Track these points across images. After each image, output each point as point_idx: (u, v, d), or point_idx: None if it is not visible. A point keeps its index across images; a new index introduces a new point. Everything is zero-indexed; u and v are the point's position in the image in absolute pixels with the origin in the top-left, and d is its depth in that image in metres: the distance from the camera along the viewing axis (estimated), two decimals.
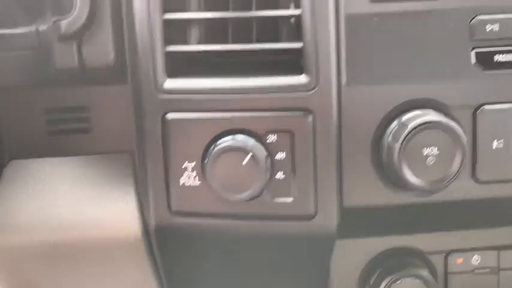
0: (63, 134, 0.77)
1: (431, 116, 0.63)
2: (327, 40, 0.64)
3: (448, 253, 0.76)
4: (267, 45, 0.66)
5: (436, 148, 0.63)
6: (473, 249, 0.75)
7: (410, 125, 0.62)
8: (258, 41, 0.66)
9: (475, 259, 0.75)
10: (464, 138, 0.63)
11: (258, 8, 0.66)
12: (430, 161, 0.63)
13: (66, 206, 0.74)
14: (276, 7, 0.66)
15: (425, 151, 0.63)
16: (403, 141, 0.62)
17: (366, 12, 0.65)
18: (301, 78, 0.65)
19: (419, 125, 0.62)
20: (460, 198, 0.69)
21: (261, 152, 0.64)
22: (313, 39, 0.63)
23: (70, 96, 0.76)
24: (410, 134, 0.62)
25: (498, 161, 0.67)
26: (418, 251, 0.76)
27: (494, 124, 0.66)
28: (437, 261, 0.76)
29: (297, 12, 0.64)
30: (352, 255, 0.76)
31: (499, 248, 0.76)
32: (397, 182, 0.66)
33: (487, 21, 0.64)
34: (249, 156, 0.63)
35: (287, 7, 0.67)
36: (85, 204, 0.74)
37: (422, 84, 0.65)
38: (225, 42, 0.66)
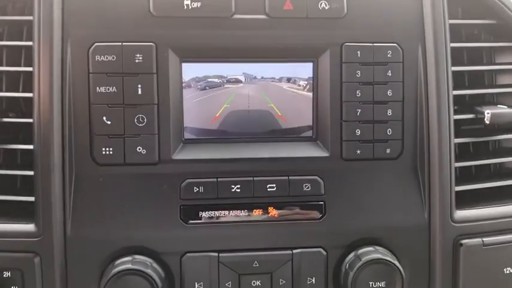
0: None
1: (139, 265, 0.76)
2: (55, 196, 0.77)
3: None
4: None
5: None
6: None
7: (113, 272, 0.75)
8: None
9: None
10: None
11: None
12: None
13: None
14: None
15: None
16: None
17: (93, 174, 0.79)
18: (30, 227, 0.77)
19: (121, 271, 0.75)
20: None
21: None
22: (41, 195, 0.76)
23: None
24: (111, 280, 0.75)
25: None
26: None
27: (194, 269, 0.80)
28: None
29: (30, 173, 0.78)
30: None
31: None
32: None
33: (194, 184, 0.81)
34: None
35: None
36: None
37: (138, 232, 0.79)
38: None
